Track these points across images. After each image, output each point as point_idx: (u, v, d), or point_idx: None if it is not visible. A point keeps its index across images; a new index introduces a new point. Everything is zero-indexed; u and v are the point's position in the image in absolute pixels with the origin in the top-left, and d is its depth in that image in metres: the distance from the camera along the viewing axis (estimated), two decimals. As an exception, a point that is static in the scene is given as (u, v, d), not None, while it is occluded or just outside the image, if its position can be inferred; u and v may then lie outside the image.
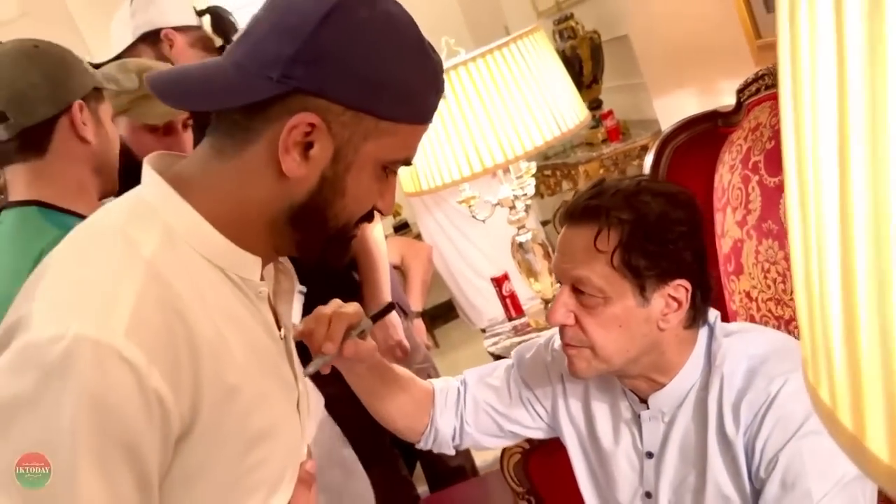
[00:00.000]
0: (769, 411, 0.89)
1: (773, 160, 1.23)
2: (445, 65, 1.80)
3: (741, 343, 0.97)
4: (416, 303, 2.57)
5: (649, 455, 1.03)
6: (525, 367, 1.18)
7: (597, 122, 3.14)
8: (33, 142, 1.23)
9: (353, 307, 0.99)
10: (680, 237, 0.93)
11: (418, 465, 2.33)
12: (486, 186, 2.15)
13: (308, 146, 0.71)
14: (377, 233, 1.86)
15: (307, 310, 0.88)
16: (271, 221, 0.75)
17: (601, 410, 1.09)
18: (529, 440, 1.45)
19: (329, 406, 1.68)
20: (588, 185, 1.01)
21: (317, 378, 1.07)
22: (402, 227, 4.13)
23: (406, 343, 1.99)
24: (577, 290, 0.96)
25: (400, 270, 2.68)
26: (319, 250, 0.79)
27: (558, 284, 2.07)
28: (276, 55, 0.69)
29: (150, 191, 0.75)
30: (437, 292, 3.39)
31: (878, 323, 0.29)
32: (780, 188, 1.20)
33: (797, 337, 1.19)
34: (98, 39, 3.68)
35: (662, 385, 0.99)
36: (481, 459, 2.28)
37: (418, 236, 3.35)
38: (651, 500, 1.04)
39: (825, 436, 0.88)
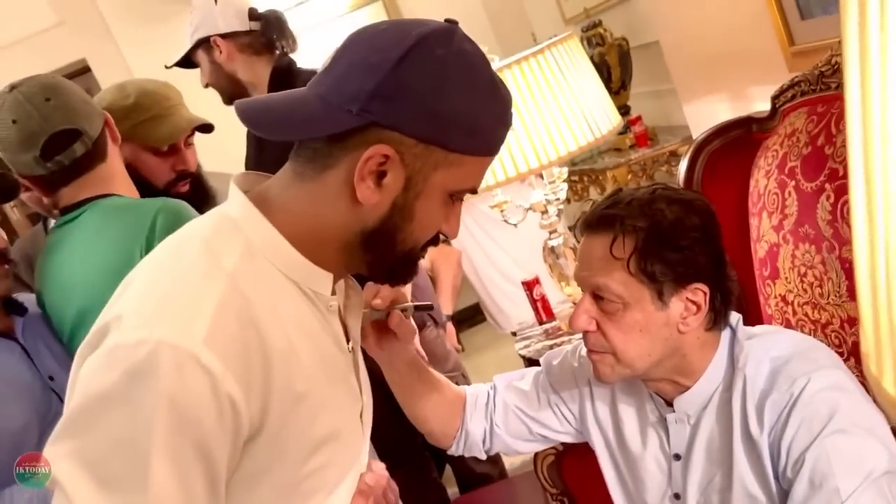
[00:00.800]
0: (793, 411, 0.91)
1: (810, 165, 1.24)
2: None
3: (764, 345, 0.98)
4: (446, 306, 2.59)
5: (677, 457, 1.05)
6: (553, 373, 1.21)
7: (625, 128, 3.16)
8: (99, 150, 1.36)
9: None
10: (695, 242, 0.95)
11: (448, 467, 2.35)
12: (515, 191, 2.17)
13: (381, 175, 0.76)
14: None
15: None
16: (345, 242, 0.80)
17: (628, 414, 1.11)
18: (564, 441, 1.47)
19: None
20: (605, 195, 1.03)
21: None
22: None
23: (422, 351, 2.02)
24: (597, 297, 0.98)
25: (429, 275, 2.71)
26: (388, 270, 0.84)
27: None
28: (357, 90, 0.74)
29: (234, 208, 0.81)
30: (463, 296, 3.41)
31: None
32: (817, 193, 1.21)
33: (830, 340, 1.20)
34: (132, 47, 3.76)
35: (687, 387, 1.01)
36: (510, 463, 2.30)
37: (447, 241, 3.37)
38: (679, 502, 1.06)
39: (850, 433, 0.90)
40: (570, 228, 2.07)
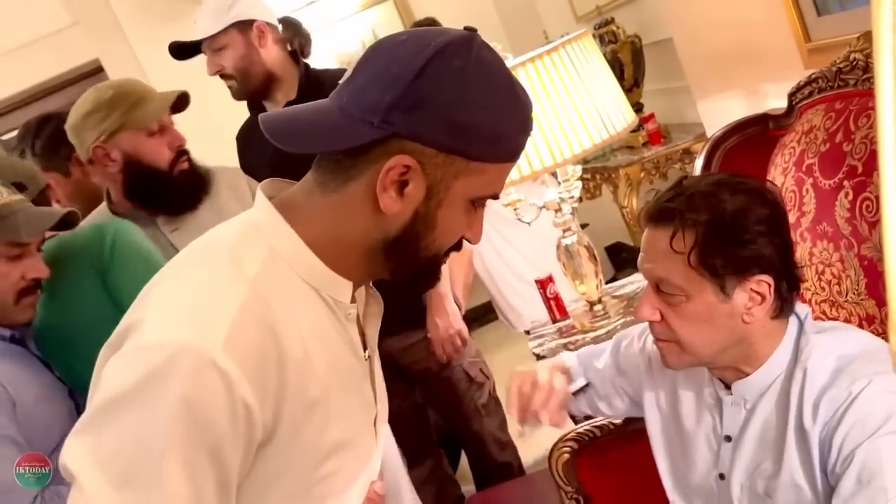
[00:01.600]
0: (850, 409, 0.90)
1: (828, 163, 1.23)
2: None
3: (831, 341, 0.98)
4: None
5: (728, 438, 1.06)
6: (620, 354, 1.25)
7: (638, 125, 3.15)
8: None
9: (561, 382, 1.16)
10: (759, 234, 0.94)
11: (466, 463, 2.36)
12: (528, 190, 2.17)
13: (403, 185, 0.77)
14: None
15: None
16: (367, 250, 0.81)
17: (687, 395, 1.13)
18: (578, 440, 1.47)
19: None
20: (669, 186, 1.03)
21: None
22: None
23: (466, 332, 2.04)
24: (659, 289, 0.99)
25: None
26: (411, 276, 0.85)
27: (605, 286, 2.08)
28: (377, 102, 0.75)
29: (260, 214, 0.82)
30: (474, 295, 3.41)
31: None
32: (835, 190, 1.20)
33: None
34: (145, 47, 3.78)
35: (748, 374, 1.02)
36: (524, 461, 2.30)
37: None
38: (724, 482, 1.06)
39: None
40: (583, 226, 2.08)
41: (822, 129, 1.27)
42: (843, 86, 1.28)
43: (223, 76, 1.91)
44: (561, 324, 2.11)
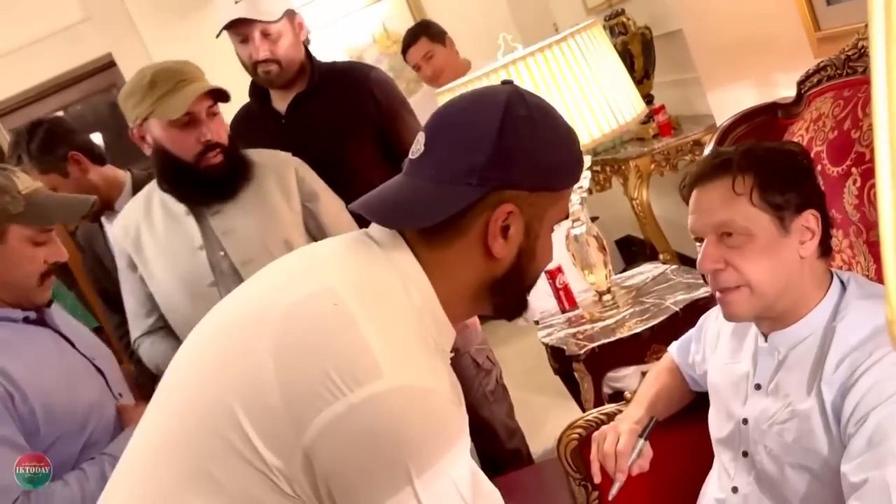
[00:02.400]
0: (869, 371, 0.93)
1: (836, 150, 1.23)
2: (503, 61, 1.83)
3: (871, 309, 1.01)
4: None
5: (757, 387, 1.11)
6: (703, 329, 1.31)
7: (648, 117, 3.14)
8: None
9: (626, 438, 1.22)
10: (802, 174, 1.05)
11: (475, 453, 2.36)
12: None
13: (506, 229, 0.85)
14: None
15: None
16: (476, 294, 0.88)
17: (737, 349, 1.18)
18: (586, 427, 1.48)
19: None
20: (708, 154, 1.10)
21: None
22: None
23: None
24: (721, 237, 1.04)
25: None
26: (514, 307, 0.93)
27: (614, 276, 2.09)
28: (470, 165, 0.83)
29: (405, 264, 0.86)
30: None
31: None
32: (843, 177, 1.21)
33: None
34: (157, 41, 3.81)
35: (786, 326, 1.07)
36: (533, 449, 2.31)
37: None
38: (745, 427, 1.12)
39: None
40: (593, 219, 2.08)
41: (831, 117, 1.27)
42: (851, 73, 1.28)
43: (264, 62, 1.92)
44: (570, 314, 2.12)
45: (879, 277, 1.14)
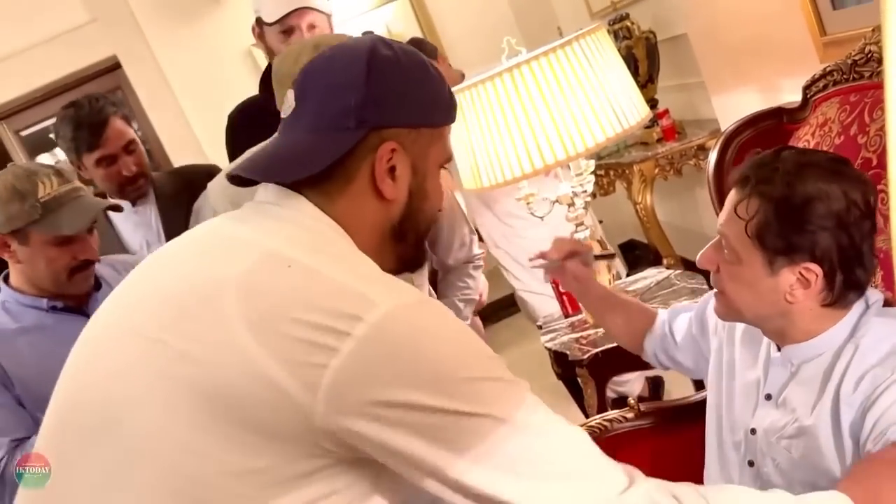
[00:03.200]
0: (891, 388, 0.91)
1: (843, 155, 1.22)
2: (507, 64, 1.83)
3: (892, 327, 0.98)
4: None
5: (768, 397, 1.08)
6: (699, 314, 1.30)
7: (652, 121, 3.14)
8: None
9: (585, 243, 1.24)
10: (821, 227, 0.94)
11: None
12: (540, 184, 2.17)
13: (393, 169, 0.85)
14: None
15: None
16: (381, 243, 0.88)
17: (745, 352, 1.15)
18: (589, 433, 1.47)
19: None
20: (771, 150, 1.03)
21: None
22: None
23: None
24: (721, 243, 1.04)
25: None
26: (416, 255, 0.92)
27: (617, 282, 2.08)
28: (344, 108, 0.82)
29: (319, 226, 0.85)
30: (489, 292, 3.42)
31: None
32: (849, 183, 1.20)
33: None
34: (163, 44, 3.81)
35: (799, 341, 1.03)
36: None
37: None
38: (753, 437, 1.10)
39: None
40: (599, 222, 2.08)
41: (837, 122, 1.26)
42: (858, 78, 1.27)
43: None
44: (573, 318, 2.11)
45: (886, 284, 1.13)
